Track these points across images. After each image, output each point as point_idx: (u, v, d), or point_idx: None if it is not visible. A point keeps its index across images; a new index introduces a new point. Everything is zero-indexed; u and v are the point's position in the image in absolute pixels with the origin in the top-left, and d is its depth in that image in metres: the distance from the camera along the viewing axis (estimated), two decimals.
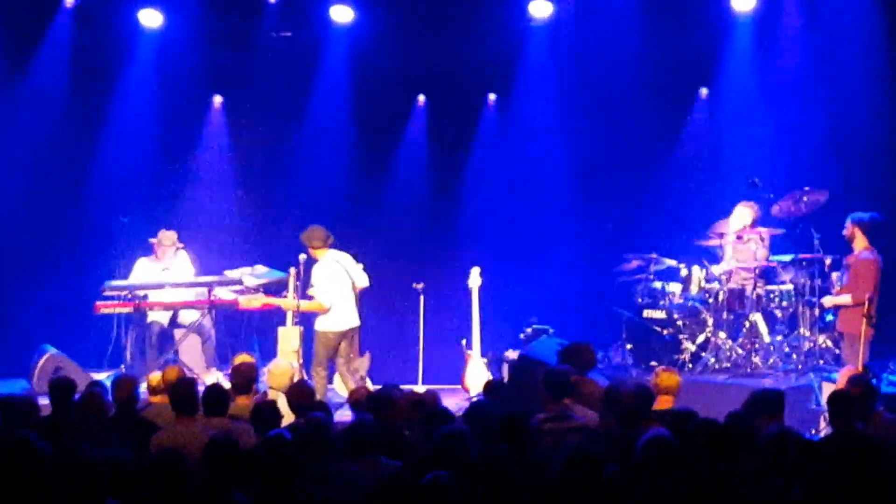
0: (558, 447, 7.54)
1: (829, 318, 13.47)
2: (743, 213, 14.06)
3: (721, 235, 14.13)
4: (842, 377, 9.70)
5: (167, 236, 14.61)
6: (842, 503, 6.17)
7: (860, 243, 12.62)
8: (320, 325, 12.93)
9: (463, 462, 7.02)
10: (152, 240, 14.64)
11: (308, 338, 13.49)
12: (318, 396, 11.69)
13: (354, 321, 13.05)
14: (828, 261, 13.49)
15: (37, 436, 7.40)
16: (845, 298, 12.61)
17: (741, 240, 14.06)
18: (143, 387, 10.46)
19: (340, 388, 13.05)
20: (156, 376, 10.29)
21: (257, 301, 13.30)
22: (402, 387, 9.89)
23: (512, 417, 7.75)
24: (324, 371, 12.90)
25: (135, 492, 6.51)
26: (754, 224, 14.06)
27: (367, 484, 6.51)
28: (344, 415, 11.19)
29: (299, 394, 9.29)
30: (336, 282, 12.86)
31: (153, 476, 6.67)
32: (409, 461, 7.42)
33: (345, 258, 13.05)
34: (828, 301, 13.07)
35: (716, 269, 14.13)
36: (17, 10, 14.98)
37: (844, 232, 12.83)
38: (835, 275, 13.41)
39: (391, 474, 6.55)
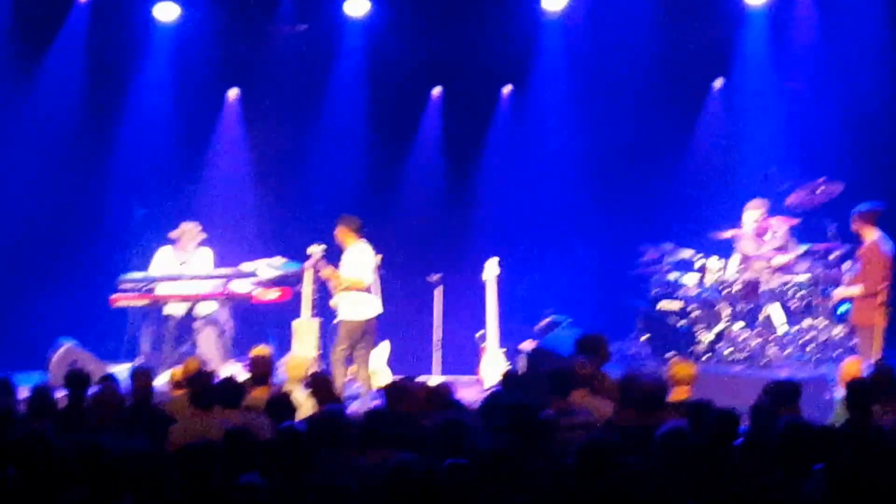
0: (563, 442, 7.56)
1: (841, 310, 13.48)
2: (752, 215, 14.05)
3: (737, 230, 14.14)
4: (844, 369, 9.68)
5: (189, 229, 14.59)
6: (858, 492, 6.12)
7: (869, 234, 12.60)
8: (350, 314, 13.07)
9: (462, 451, 7.03)
10: (173, 233, 14.61)
11: (325, 330, 13.68)
12: (337, 386, 11.86)
13: (379, 309, 13.25)
14: (838, 252, 13.58)
15: (53, 428, 7.59)
16: (855, 290, 12.61)
17: (759, 237, 14.05)
18: (160, 380, 10.58)
19: (357, 378, 13.13)
20: (178, 371, 10.39)
21: (327, 271, 13.23)
22: (417, 378, 9.94)
23: (522, 408, 7.76)
24: (345, 361, 13.01)
25: (154, 483, 6.50)
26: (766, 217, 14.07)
27: (380, 474, 6.51)
28: (353, 407, 11.34)
29: (321, 384, 9.39)
30: (368, 268, 13.09)
31: (180, 467, 6.69)
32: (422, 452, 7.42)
33: (370, 249, 13.23)
34: (837, 293, 13.13)
35: (731, 264, 14.17)
36: (35, 5, 15.13)
37: (852, 227, 12.83)
38: (845, 265, 13.41)
39: (403, 463, 6.51)
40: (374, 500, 6.35)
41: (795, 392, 8.37)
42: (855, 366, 9.63)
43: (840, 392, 9.10)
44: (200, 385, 8.68)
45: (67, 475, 6.83)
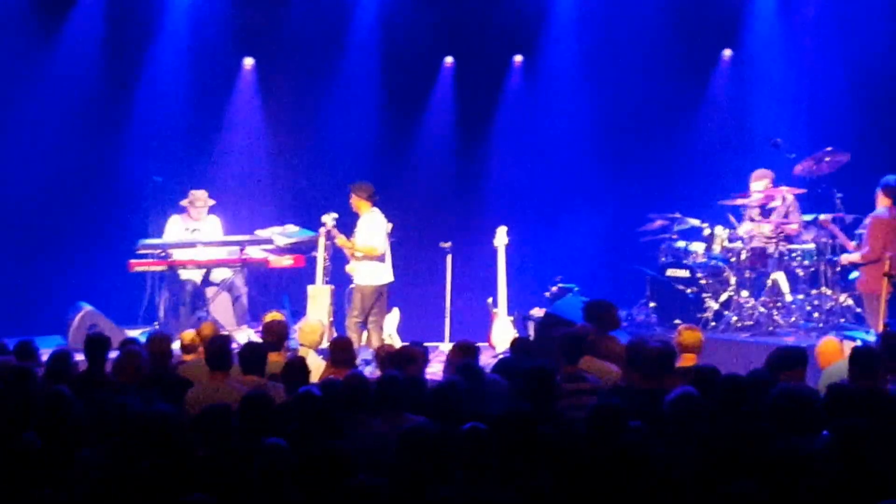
0: (575, 408, 7.66)
1: (853, 275, 13.54)
2: (759, 185, 14.08)
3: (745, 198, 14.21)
4: (821, 348, 9.52)
5: (198, 195, 14.70)
6: (867, 455, 6.20)
7: (882, 203, 12.78)
8: (363, 279, 13.22)
9: (455, 415, 7.17)
10: (184, 201, 14.74)
11: (339, 296, 13.80)
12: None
13: (391, 276, 13.40)
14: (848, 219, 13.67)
15: (72, 390, 7.67)
16: (856, 256, 12.82)
17: (766, 205, 14.13)
18: (176, 344, 10.59)
19: (369, 344, 13.23)
20: (188, 334, 10.41)
21: (341, 240, 13.37)
22: (426, 344, 10.04)
23: (536, 369, 7.85)
24: (359, 326, 13.16)
25: (176, 444, 6.65)
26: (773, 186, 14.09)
27: (393, 438, 6.66)
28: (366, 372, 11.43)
29: (341, 348, 9.38)
30: (382, 235, 13.22)
31: (198, 429, 6.84)
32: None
33: (382, 217, 13.34)
34: (844, 259, 13.24)
35: (740, 230, 14.26)
36: None
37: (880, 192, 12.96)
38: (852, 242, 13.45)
39: (415, 426, 6.68)
40: (389, 461, 6.49)
41: (801, 358, 8.40)
42: (833, 344, 9.55)
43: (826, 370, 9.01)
44: (217, 349, 8.71)
45: (87, 436, 6.99)
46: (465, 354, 9.11)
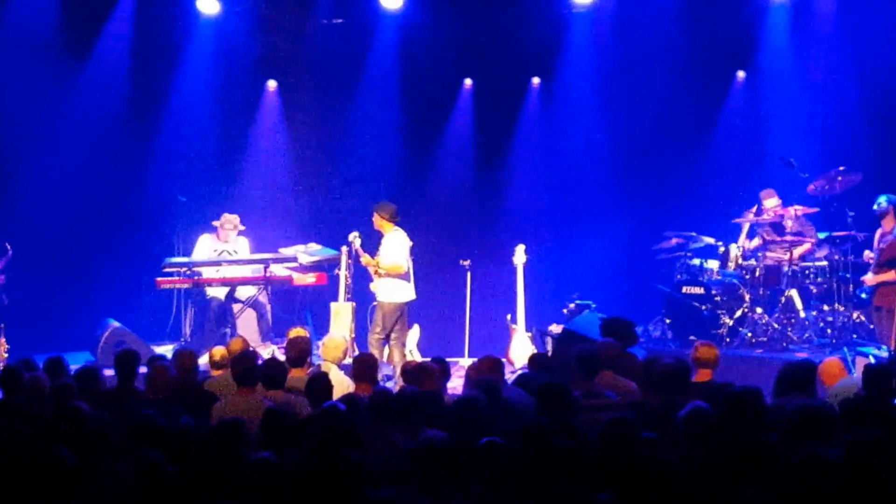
0: (591, 423, 7.56)
1: (864, 296, 13.64)
2: (770, 203, 14.27)
3: (758, 215, 14.36)
4: (824, 368, 9.44)
5: (230, 219, 14.95)
6: (877, 469, 6.22)
7: (890, 223, 13.02)
8: (387, 296, 13.33)
9: (474, 427, 7.20)
10: (215, 222, 14.96)
11: (360, 313, 13.97)
12: None
13: (413, 294, 13.53)
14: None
15: (97, 406, 7.80)
16: (890, 275, 12.92)
17: (779, 224, 14.29)
18: (202, 359, 10.79)
19: (391, 360, 13.37)
20: (219, 350, 10.47)
21: (365, 258, 13.54)
22: (447, 359, 10.10)
23: (551, 386, 7.91)
24: (381, 342, 13.28)
25: (198, 457, 6.72)
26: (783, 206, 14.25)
27: (412, 450, 6.68)
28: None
29: (365, 365, 9.42)
30: (405, 253, 13.37)
31: (215, 442, 6.92)
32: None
33: (405, 236, 13.49)
34: (870, 279, 13.28)
35: (751, 244, 14.43)
36: None
37: (876, 207, 13.17)
38: (867, 253, 13.63)
39: (430, 439, 6.69)
40: (408, 474, 6.55)
41: (811, 373, 8.48)
42: (835, 364, 9.59)
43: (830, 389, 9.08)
44: (244, 365, 8.75)
45: (116, 450, 7.02)
46: (490, 370, 9.23)
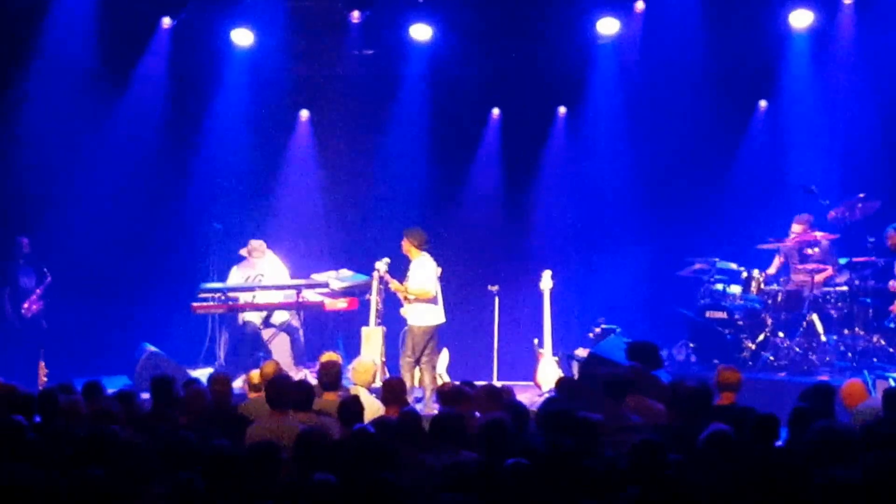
0: (618, 444, 7.65)
1: (893, 325, 13.84)
2: (797, 227, 14.44)
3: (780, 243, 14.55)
4: (847, 390, 9.46)
5: (256, 246, 15.14)
6: (894, 493, 6.26)
7: None
8: (417, 320, 13.50)
9: (500, 449, 7.28)
10: (243, 251, 15.15)
11: (391, 337, 14.16)
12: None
13: (443, 318, 13.68)
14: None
15: (134, 428, 8.04)
16: None
17: (804, 251, 14.48)
18: (236, 383, 10.98)
19: (422, 383, 13.56)
20: (256, 374, 10.60)
21: (395, 284, 13.73)
22: (476, 383, 10.17)
23: (577, 418, 7.87)
24: (411, 366, 13.45)
25: (233, 479, 6.83)
26: (809, 231, 14.40)
27: (444, 472, 6.80)
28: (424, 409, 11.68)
29: (394, 388, 9.53)
30: (433, 278, 13.55)
31: (250, 464, 7.01)
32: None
33: (433, 262, 13.67)
34: None
35: (771, 269, 14.62)
36: (120, 30, 15.44)
37: (888, 241, 13.42)
38: (893, 283, 13.80)
39: (459, 460, 6.85)
40: (441, 495, 6.58)
41: (829, 395, 8.67)
42: (858, 386, 9.61)
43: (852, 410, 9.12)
44: (277, 388, 8.79)
45: (152, 472, 7.11)
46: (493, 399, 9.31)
